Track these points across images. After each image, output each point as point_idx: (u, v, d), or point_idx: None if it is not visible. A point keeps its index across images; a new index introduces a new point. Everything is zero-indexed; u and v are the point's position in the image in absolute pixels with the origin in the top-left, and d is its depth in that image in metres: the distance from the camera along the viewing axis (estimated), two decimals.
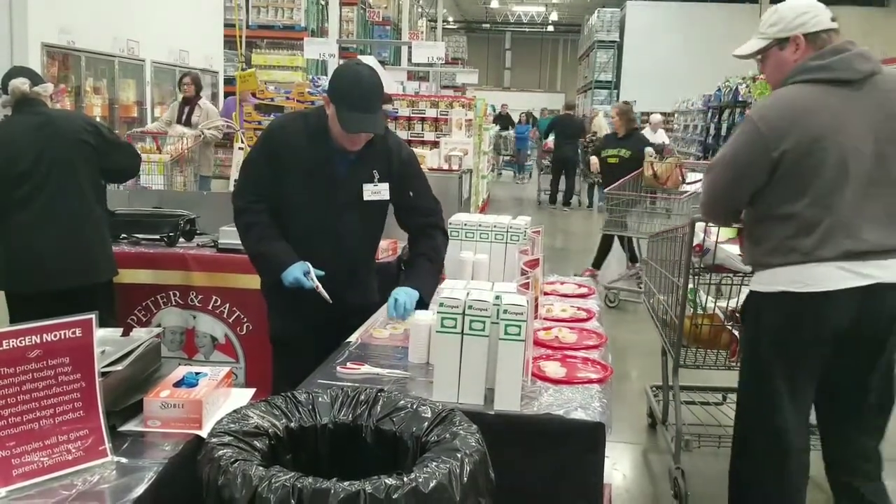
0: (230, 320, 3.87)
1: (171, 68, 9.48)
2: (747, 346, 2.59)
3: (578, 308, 2.91)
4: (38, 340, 1.54)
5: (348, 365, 2.25)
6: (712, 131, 14.92)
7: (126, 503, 1.47)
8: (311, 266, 2.68)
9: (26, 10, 6.87)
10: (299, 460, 1.64)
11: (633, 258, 7.20)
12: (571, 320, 2.78)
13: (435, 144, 8.01)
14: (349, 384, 1.86)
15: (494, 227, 3.05)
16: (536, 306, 2.60)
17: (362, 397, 1.73)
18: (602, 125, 13.22)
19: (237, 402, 1.91)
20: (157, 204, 4.47)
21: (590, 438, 1.92)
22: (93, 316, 1.61)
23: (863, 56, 2.36)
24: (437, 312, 2.02)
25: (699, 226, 3.10)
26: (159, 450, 1.69)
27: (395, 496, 1.34)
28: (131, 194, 4.90)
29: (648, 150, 6.90)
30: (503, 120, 20.75)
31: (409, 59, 12.09)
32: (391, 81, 9.08)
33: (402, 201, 2.85)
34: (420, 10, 26.13)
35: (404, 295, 2.65)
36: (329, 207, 2.73)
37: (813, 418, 2.56)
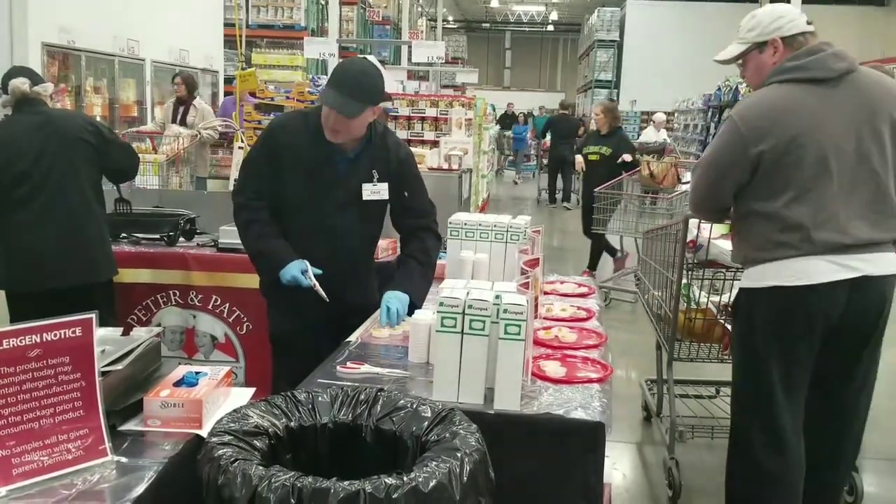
0: (230, 320, 3.87)
1: (171, 68, 9.49)
2: (741, 343, 2.61)
3: (578, 307, 2.92)
4: (38, 340, 1.54)
5: (348, 364, 2.25)
6: (712, 130, 14.90)
7: (126, 502, 1.47)
8: (308, 264, 2.68)
9: (26, 9, 6.87)
10: (299, 460, 1.64)
11: (610, 251, 7.41)
12: (571, 320, 2.78)
13: (435, 144, 8.01)
14: (349, 384, 1.87)
15: (494, 226, 3.05)
16: (536, 306, 2.60)
17: (362, 397, 1.73)
18: None
19: (237, 402, 1.91)
20: (157, 203, 4.48)
21: (590, 438, 1.92)
22: (93, 315, 1.61)
23: (837, 55, 2.42)
24: (437, 312, 2.02)
25: (692, 222, 3.14)
26: (159, 449, 1.69)
27: (394, 496, 1.34)
28: (131, 194, 4.89)
29: (626, 156, 6.98)
30: (509, 119, 20.63)
31: (409, 59, 12.09)
32: (391, 81, 9.07)
33: (397, 201, 2.85)
34: (420, 9, 26.11)
35: (396, 301, 2.63)
36: (328, 206, 2.73)
37: None
